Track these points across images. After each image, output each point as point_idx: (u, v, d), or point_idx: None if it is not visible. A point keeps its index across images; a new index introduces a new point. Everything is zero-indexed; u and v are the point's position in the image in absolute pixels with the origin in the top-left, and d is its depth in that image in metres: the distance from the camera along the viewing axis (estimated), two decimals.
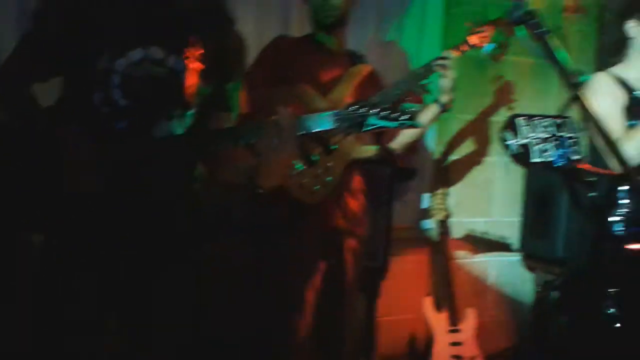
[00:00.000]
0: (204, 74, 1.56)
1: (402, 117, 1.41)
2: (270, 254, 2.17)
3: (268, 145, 1.42)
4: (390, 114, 1.40)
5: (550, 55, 1.24)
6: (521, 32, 2.21)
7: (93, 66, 1.47)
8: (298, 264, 2.16)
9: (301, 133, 1.46)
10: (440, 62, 2.27)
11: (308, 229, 2.16)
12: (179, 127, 1.54)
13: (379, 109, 1.39)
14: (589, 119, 1.17)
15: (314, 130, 1.45)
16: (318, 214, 2.18)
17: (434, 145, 3.36)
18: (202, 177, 1.60)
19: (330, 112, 1.45)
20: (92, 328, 1.46)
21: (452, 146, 3.38)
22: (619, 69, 2.07)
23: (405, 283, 3.24)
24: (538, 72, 3.45)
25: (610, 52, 2.13)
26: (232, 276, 2.30)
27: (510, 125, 3.64)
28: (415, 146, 3.14)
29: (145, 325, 1.54)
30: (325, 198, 2.16)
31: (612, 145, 1.18)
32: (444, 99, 2.29)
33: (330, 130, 1.45)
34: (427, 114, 2.32)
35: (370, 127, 1.41)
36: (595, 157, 2.10)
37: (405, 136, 2.36)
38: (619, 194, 1.98)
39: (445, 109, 2.31)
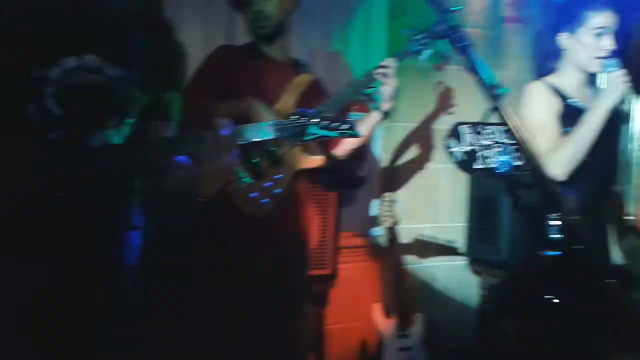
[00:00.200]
0: (142, 82, 1.53)
1: (343, 127, 1.43)
2: (217, 266, 2.14)
3: (206, 155, 1.40)
4: (330, 123, 1.41)
5: (471, 68, 1.27)
6: (445, 45, 2.29)
7: (26, 76, 1.43)
8: (246, 276, 2.13)
9: (241, 143, 1.45)
10: (381, 70, 2.30)
11: (256, 241, 2.15)
12: (116, 137, 1.51)
13: (319, 119, 1.39)
14: (510, 130, 1.19)
15: (254, 140, 1.45)
16: (266, 225, 2.16)
17: (381, 153, 3.40)
18: (141, 187, 1.57)
19: (270, 122, 1.45)
20: None
21: (398, 154, 3.42)
22: (553, 78, 2.13)
23: (354, 290, 3.26)
24: None
25: (544, 61, 2.19)
26: (178, 288, 2.26)
27: (454, 133, 3.72)
28: (362, 154, 3.19)
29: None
30: (273, 210, 2.15)
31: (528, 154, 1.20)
32: (386, 106, 2.32)
33: (271, 140, 1.44)
34: (369, 122, 2.35)
35: (311, 137, 1.41)
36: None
37: (349, 143, 2.38)
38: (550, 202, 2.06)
39: (387, 116, 2.34)
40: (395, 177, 3.40)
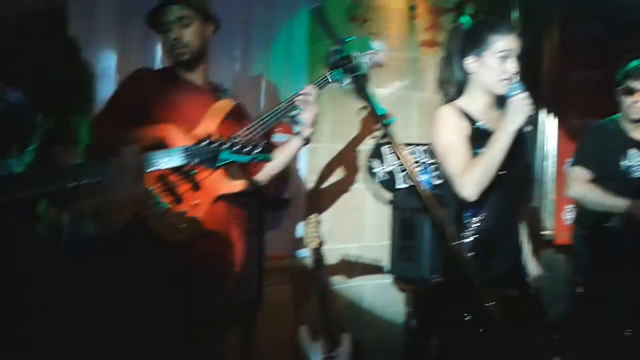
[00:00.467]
0: (45, 106, 1.47)
1: (255, 151, 1.42)
2: (133, 295, 2.07)
3: (112, 184, 1.36)
4: (242, 148, 1.40)
5: (363, 97, 1.31)
6: (338, 74, 2.35)
7: None
8: (164, 304, 2.07)
9: (150, 170, 1.42)
10: (302, 97, 2.32)
11: (175, 267, 2.09)
12: (18, 165, 1.44)
13: (230, 144, 1.38)
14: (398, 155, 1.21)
15: (163, 167, 1.42)
16: (185, 251, 2.11)
17: (306, 174, 3.42)
18: (46, 216, 1.50)
19: (180, 148, 1.43)
20: None
21: (323, 175, 3.45)
22: (462, 101, 2.18)
23: (281, 313, 3.24)
24: (400, 102, 3.64)
25: (451, 85, 2.24)
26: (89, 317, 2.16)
27: (377, 154, 3.83)
28: (286, 176, 3.19)
29: None
30: (192, 235, 2.11)
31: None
32: (306, 132, 2.34)
33: (182, 166, 1.42)
34: (291, 147, 2.35)
35: (223, 162, 1.40)
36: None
37: (271, 168, 2.38)
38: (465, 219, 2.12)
39: (307, 142, 2.36)
40: (320, 198, 3.43)
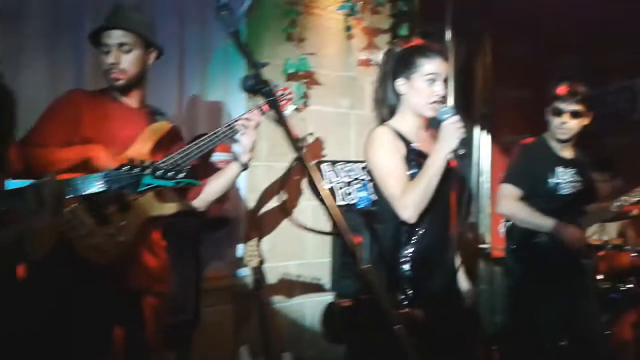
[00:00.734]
0: None
1: (179, 176, 1.41)
2: (59, 319, 2.00)
3: (30, 211, 1.32)
4: (165, 173, 1.38)
5: (280, 121, 1.32)
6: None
7: None
8: (90, 329, 2.01)
9: (71, 196, 1.39)
10: (242, 122, 2.31)
11: (101, 290, 2.04)
12: None
13: (152, 168, 1.37)
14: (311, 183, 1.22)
15: (83, 193, 1.39)
16: (112, 274, 2.06)
17: (245, 193, 3.41)
18: None
19: (100, 174, 1.40)
20: None
21: (263, 194, 3.44)
22: (395, 122, 2.22)
23: (221, 333, 3.20)
24: (340, 120, 3.68)
25: (385, 106, 2.28)
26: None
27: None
28: (226, 196, 3.17)
29: None
30: (119, 258, 2.06)
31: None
32: (244, 158, 2.33)
33: (103, 191, 1.39)
34: (229, 173, 2.34)
35: (146, 187, 1.38)
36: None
37: (209, 194, 2.36)
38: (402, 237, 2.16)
39: (246, 167, 2.35)
40: (260, 216, 3.42)
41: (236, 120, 2.34)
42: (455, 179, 2.19)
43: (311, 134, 3.53)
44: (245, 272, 3.30)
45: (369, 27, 3.69)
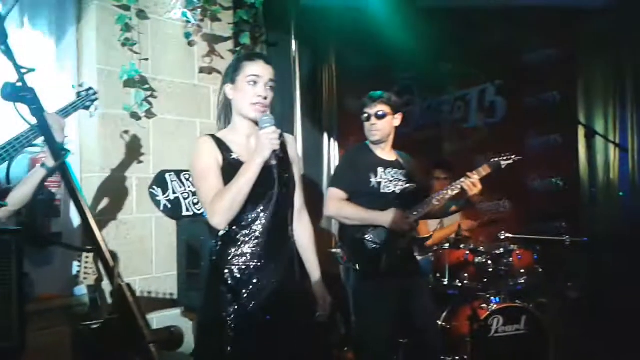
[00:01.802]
0: None
1: None
2: None
3: None
4: None
5: (42, 129, 1.25)
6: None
7: None
8: None
9: None
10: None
11: None
12: None
13: None
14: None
15: None
16: None
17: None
18: None
19: None
20: None
21: (100, 205, 3.26)
22: (224, 132, 2.24)
23: (56, 358, 2.98)
24: (182, 129, 3.59)
25: (222, 115, 2.28)
26: None
27: (160, 181, 3.73)
28: (54, 210, 2.98)
29: None
30: None
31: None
32: (52, 163, 2.19)
33: None
34: (34, 178, 2.20)
35: None
36: None
37: (14, 200, 2.19)
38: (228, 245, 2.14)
39: (53, 172, 2.22)
40: (98, 229, 3.22)
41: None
42: (285, 187, 2.21)
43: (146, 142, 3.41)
44: (83, 291, 3.11)
45: (210, 35, 3.65)
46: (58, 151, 1.13)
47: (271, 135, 2.06)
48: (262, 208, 2.13)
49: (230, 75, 2.22)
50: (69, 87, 2.77)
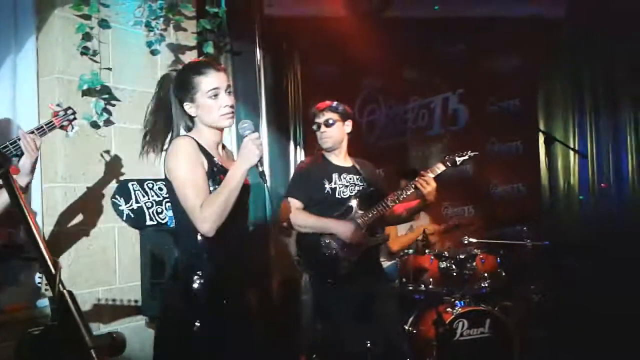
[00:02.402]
0: None
1: None
2: None
3: None
4: None
5: None
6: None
7: None
8: None
9: None
10: (23, 142, 2.19)
11: None
12: None
13: None
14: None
15: None
16: None
17: (42, 216, 3.17)
18: None
19: None
20: None
21: (62, 216, 3.22)
22: (195, 135, 2.17)
23: None
24: None
25: (177, 124, 2.22)
26: None
27: (123, 191, 3.70)
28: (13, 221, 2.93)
29: None
30: None
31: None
32: (23, 180, 2.24)
33: None
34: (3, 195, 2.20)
35: None
36: None
37: None
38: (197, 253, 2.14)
39: (25, 190, 2.22)
40: (59, 240, 3.19)
41: (12, 142, 2.22)
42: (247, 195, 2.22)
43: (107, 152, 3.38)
44: (45, 303, 3.07)
45: (174, 44, 3.65)
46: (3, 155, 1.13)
47: (257, 141, 2.06)
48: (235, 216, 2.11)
49: (186, 93, 2.15)
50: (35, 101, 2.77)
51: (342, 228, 2.96)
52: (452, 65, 4.94)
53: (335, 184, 3.07)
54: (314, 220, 3.00)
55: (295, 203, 3.06)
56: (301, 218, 3.02)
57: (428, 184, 2.97)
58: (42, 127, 2.51)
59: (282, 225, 3.16)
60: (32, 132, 2.45)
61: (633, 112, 4.61)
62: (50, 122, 2.55)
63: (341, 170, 3.12)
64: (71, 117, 2.59)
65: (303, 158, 4.62)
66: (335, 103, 3.15)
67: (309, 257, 3.07)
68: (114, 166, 3.38)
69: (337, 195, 3.05)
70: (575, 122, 4.77)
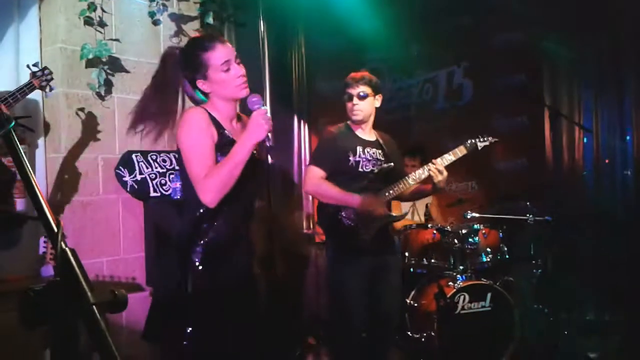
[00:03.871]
0: None
1: None
2: None
3: None
4: None
5: None
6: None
7: None
8: None
9: None
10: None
11: None
12: None
13: None
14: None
15: None
16: None
17: (45, 186, 3.19)
18: None
19: None
20: None
21: (65, 186, 3.24)
22: (209, 107, 2.17)
23: (23, 338, 2.96)
24: None
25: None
26: None
27: (126, 162, 3.72)
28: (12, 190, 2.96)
29: None
30: None
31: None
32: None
33: None
34: None
35: None
36: None
37: None
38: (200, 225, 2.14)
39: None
40: (63, 210, 3.21)
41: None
42: (261, 170, 2.21)
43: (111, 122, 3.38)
44: (50, 271, 3.09)
45: (176, 14, 3.62)
46: (2, 121, 1.12)
47: (265, 117, 2.06)
48: (238, 190, 2.10)
49: (197, 72, 2.14)
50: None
51: (364, 203, 2.96)
52: (457, 39, 4.88)
53: (359, 157, 3.07)
54: (336, 192, 3.00)
55: (318, 172, 3.05)
56: (324, 188, 3.03)
57: (441, 173, 3.02)
58: (22, 88, 2.59)
59: (305, 191, 3.17)
60: (14, 94, 2.57)
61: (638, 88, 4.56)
62: (30, 82, 2.62)
63: (365, 143, 3.12)
64: (49, 77, 2.65)
65: (306, 130, 4.61)
66: (370, 76, 3.11)
67: (328, 226, 3.11)
68: (117, 137, 3.38)
69: (359, 169, 3.05)
70: (580, 97, 4.72)
